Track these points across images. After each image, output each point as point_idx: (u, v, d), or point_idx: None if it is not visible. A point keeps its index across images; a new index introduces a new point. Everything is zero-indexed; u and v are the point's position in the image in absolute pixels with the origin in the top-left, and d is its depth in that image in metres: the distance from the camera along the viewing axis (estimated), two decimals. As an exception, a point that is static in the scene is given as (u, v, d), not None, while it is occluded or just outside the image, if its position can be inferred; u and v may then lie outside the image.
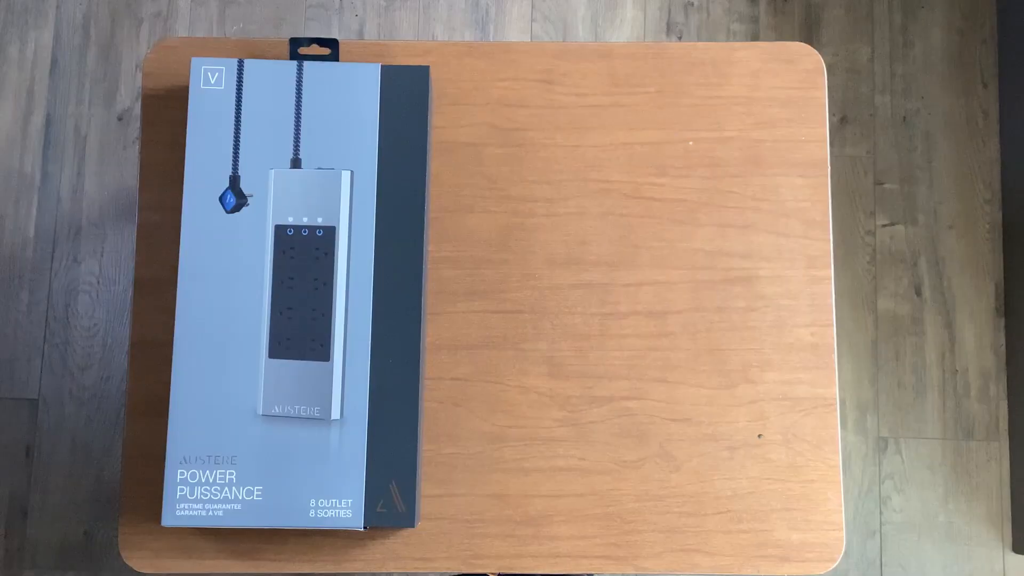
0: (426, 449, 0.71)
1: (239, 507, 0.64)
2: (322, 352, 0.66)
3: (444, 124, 0.75)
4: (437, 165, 0.75)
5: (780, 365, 0.72)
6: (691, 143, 0.75)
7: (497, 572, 0.71)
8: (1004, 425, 1.40)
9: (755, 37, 1.49)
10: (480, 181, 0.74)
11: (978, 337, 1.42)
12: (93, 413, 1.36)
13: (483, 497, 0.70)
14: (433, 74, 0.75)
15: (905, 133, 1.46)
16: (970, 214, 1.45)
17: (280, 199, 0.67)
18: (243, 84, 0.69)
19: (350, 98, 0.69)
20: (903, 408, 1.41)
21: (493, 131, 0.75)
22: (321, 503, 0.64)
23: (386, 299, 0.67)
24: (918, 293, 1.43)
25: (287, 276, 0.66)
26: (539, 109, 0.75)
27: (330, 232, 0.67)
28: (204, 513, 0.64)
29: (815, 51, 0.76)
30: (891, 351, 1.42)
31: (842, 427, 1.39)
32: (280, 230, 0.67)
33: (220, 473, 0.64)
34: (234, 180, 0.67)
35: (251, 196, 0.67)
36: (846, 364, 1.41)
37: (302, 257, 0.66)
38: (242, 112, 0.68)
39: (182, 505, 0.64)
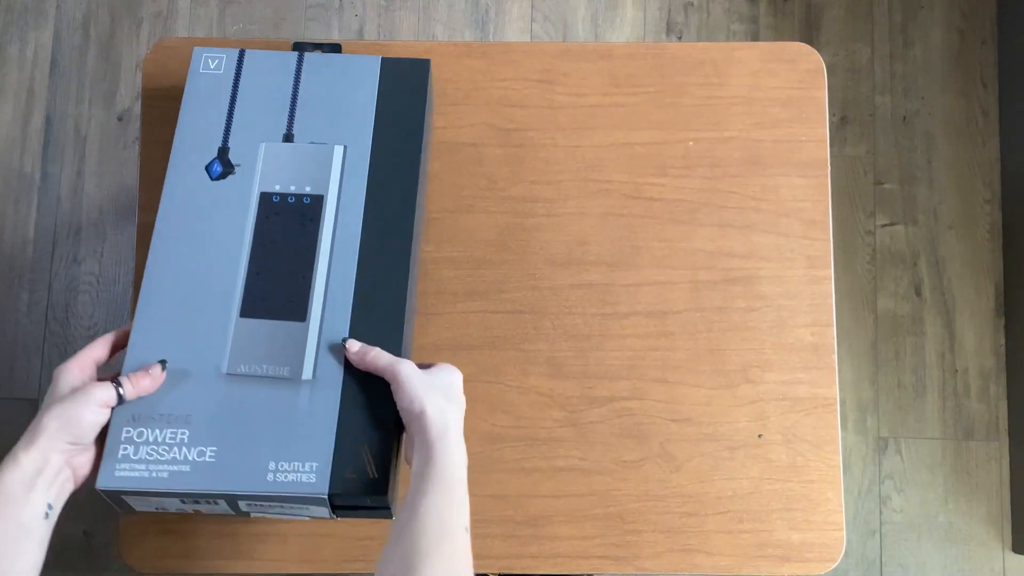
0: (426, 449, 0.71)
1: (187, 468, 0.58)
2: (298, 312, 0.64)
3: (444, 124, 0.75)
4: (437, 165, 0.75)
5: (780, 365, 0.72)
6: (691, 143, 0.75)
7: (497, 572, 0.71)
8: (1004, 425, 1.40)
9: (755, 37, 1.49)
10: (480, 181, 0.74)
11: (978, 337, 1.42)
12: (93, 413, 1.35)
13: (483, 497, 0.70)
14: (433, 74, 0.75)
15: (905, 133, 1.46)
16: (970, 214, 1.45)
17: (269, 169, 0.67)
18: (242, 69, 0.70)
19: (349, 85, 0.70)
20: (903, 408, 1.41)
21: (493, 131, 0.75)
22: (282, 466, 0.59)
23: (371, 270, 0.65)
24: (918, 293, 1.43)
25: (268, 240, 0.65)
26: (539, 109, 0.75)
27: (317, 201, 0.66)
28: (147, 474, 0.58)
29: (815, 51, 0.76)
30: (891, 351, 1.42)
31: (842, 427, 1.39)
32: (266, 197, 0.66)
33: (171, 432, 0.59)
34: (223, 151, 0.68)
35: (238, 166, 0.67)
36: (846, 364, 1.41)
37: (286, 223, 0.66)
38: (238, 93, 0.69)
39: (123, 466, 0.58)
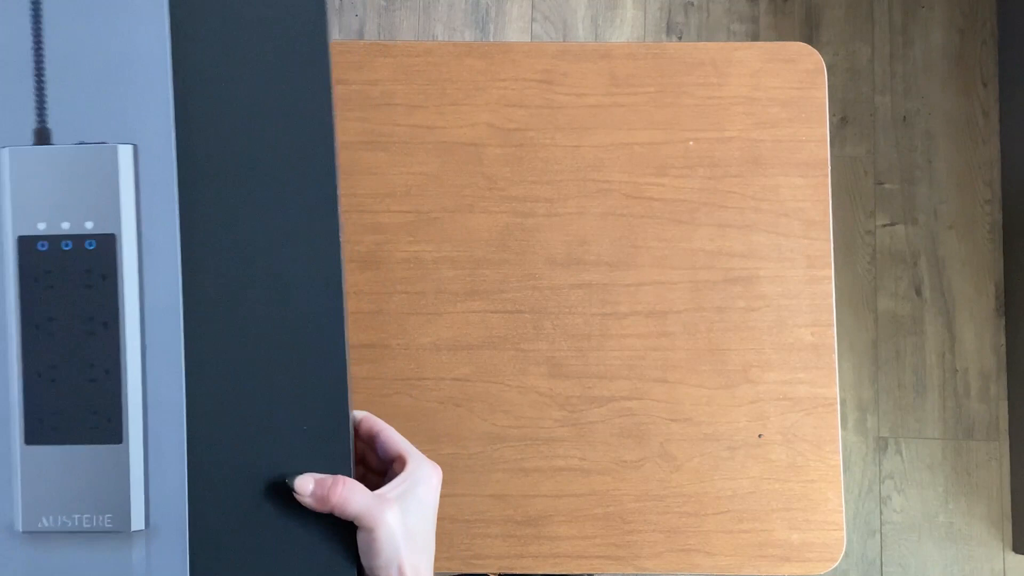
0: (426, 450, 0.71)
1: None
2: (109, 431, 0.42)
3: (444, 124, 0.75)
4: (437, 165, 0.75)
5: (780, 365, 0.72)
6: (691, 143, 0.75)
7: (497, 572, 0.71)
8: (1004, 425, 1.40)
9: (755, 37, 1.49)
10: (480, 181, 0.74)
11: (978, 337, 1.42)
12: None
13: (483, 497, 0.70)
14: (433, 74, 0.75)
15: (905, 133, 1.46)
16: (970, 214, 1.45)
17: (23, 195, 0.42)
18: None
19: (122, 30, 0.43)
20: (903, 408, 1.41)
21: (493, 131, 0.75)
22: None
23: (216, 338, 0.43)
24: (918, 293, 1.43)
25: (44, 317, 0.43)
26: (539, 109, 0.75)
27: (107, 242, 0.43)
28: None
29: (815, 51, 0.76)
30: (891, 351, 1.42)
31: (842, 427, 1.39)
32: (27, 244, 0.43)
33: None
34: None
35: None
36: (846, 364, 1.41)
37: (65, 285, 0.43)
38: None
39: None
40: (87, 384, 0.42)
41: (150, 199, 0.43)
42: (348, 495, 0.43)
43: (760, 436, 0.72)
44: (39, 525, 0.42)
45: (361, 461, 0.51)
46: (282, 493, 0.43)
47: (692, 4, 1.50)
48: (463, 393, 0.71)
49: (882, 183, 1.45)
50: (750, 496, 0.71)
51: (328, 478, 0.44)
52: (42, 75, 0.43)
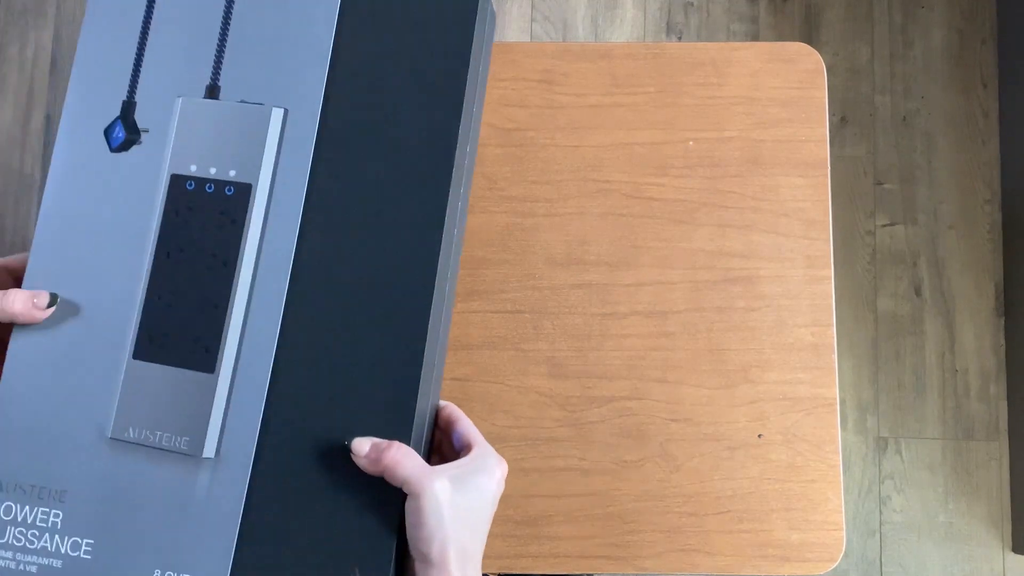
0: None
1: (59, 565, 0.45)
2: (206, 360, 0.46)
3: (444, 124, 0.75)
4: (437, 165, 0.75)
5: (780, 365, 0.72)
6: (691, 143, 0.75)
7: (497, 572, 0.71)
8: (1004, 425, 1.40)
9: (755, 37, 1.49)
10: (480, 181, 0.74)
11: (978, 337, 1.42)
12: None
13: (483, 497, 0.70)
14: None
15: (905, 133, 1.46)
16: (970, 214, 1.45)
17: (184, 139, 0.48)
18: None
19: (299, 9, 0.50)
20: (903, 408, 1.41)
21: (493, 131, 0.75)
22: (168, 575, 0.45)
23: (314, 297, 0.47)
24: (918, 293, 1.43)
25: (177, 246, 0.47)
26: (539, 109, 0.75)
27: (244, 191, 0.47)
28: (13, 565, 0.46)
29: (815, 51, 0.76)
30: (891, 351, 1.42)
31: (842, 427, 1.39)
32: (177, 182, 0.48)
33: (43, 512, 0.46)
34: (127, 107, 0.49)
35: (146, 132, 0.48)
36: (846, 364, 1.41)
37: (201, 222, 0.47)
38: (153, 17, 0.50)
39: None
40: (196, 314, 0.46)
41: (288, 159, 0.48)
42: (400, 458, 0.44)
43: (760, 436, 0.72)
44: (126, 434, 0.46)
45: (438, 449, 0.51)
46: (342, 453, 0.45)
47: (692, 4, 1.50)
48: (463, 393, 0.71)
49: (882, 183, 1.45)
50: (750, 496, 0.71)
51: (384, 442, 0.44)
52: (224, 39, 0.49)
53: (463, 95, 0.48)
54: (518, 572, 0.70)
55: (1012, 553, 1.38)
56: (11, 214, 1.40)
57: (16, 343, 0.47)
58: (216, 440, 0.46)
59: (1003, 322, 1.42)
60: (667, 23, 1.50)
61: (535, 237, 0.74)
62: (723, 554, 0.70)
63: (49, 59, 1.44)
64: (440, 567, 0.43)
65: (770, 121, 0.75)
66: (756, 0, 1.49)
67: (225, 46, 0.49)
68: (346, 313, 0.46)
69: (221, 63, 0.49)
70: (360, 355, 0.46)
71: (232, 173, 0.48)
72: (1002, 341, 1.42)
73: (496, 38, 1.48)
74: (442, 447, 0.52)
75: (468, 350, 0.72)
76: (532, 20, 1.49)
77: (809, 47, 0.77)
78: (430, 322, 0.46)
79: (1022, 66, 1.41)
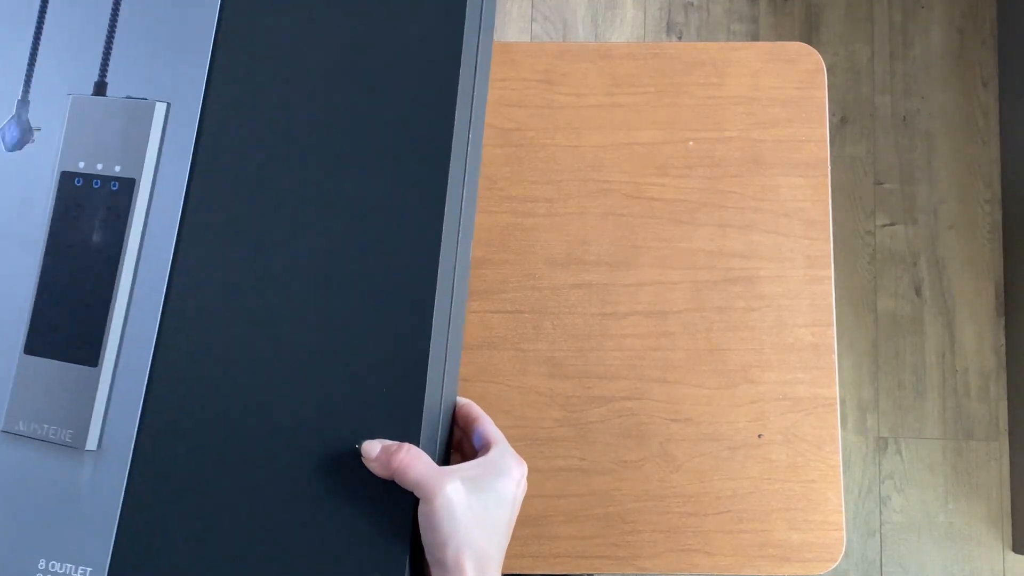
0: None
1: None
2: (89, 353, 0.47)
3: (444, 124, 0.75)
4: (437, 165, 0.75)
5: (780, 365, 0.72)
6: (691, 143, 0.75)
7: (497, 572, 0.71)
8: (1004, 425, 1.40)
9: (755, 37, 1.49)
10: (480, 181, 0.74)
11: (978, 337, 1.42)
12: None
13: (483, 497, 0.70)
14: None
15: (905, 133, 1.46)
16: (970, 214, 1.45)
17: (73, 136, 0.49)
18: None
19: (180, 5, 0.50)
20: (903, 408, 1.41)
21: (493, 131, 0.75)
22: (53, 566, 0.46)
23: (198, 290, 0.47)
24: (918, 293, 1.43)
25: (66, 243, 0.48)
26: (539, 109, 0.75)
27: (127, 186, 0.48)
28: None
29: (815, 51, 0.76)
30: (891, 351, 1.42)
31: (842, 427, 1.39)
32: (67, 179, 0.49)
33: None
34: (22, 106, 0.50)
35: (38, 131, 0.49)
36: (846, 364, 1.41)
37: (88, 218, 0.48)
38: (46, 14, 0.51)
39: None
40: (83, 309, 0.47)
41: (171, 152, 0.48)
42: (410, 461, 0.42)
43: (760, 436, 0.72)
44: (16, 427, 0.47)
45: (458, 448, 0.50)
46: (351, 459, 0.44)
47: (692, 4, 1.50)
48: (463, 393, 0.71)
49: (882, 183, 1.45)
50: (750, 496, 0.71)
51: (394, 444, 0.43)
52: (112, 36, 0.49)
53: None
54: (518, 572, 0.70)
55: (1012, 553, 1.38)
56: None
57: None
58: (99, 433, 0.46)
59: (1003, 322, 1.42)
60: (667, 23, 1.50)
61: (535, 237, 0.74)
62: (723, 554, 0.70)
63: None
64: (455, 573, 0.41)
65: (770, 121, 0.75)
66: (756, 0, 1.49)
67: (112, 43, 0.49)
68: (335, 307, 0.45)
69: (108, 60, 0.49)
70: (360, 352, 0.45)
71: (117, 168, 0.48)
72: (1002, 341, 1.42)
73: (496, 38, 1.48)
74: (463, 445, 0.50)
75: (468, 350, 0.72)
76: (532, 20, 1.49)
77: (809, 47, 0.77)
78: (434, 316, 0.45)
79: (1022, 66, 1.41)
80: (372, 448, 0.43)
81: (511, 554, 0.70)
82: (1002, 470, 1.39)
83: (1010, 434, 1.39)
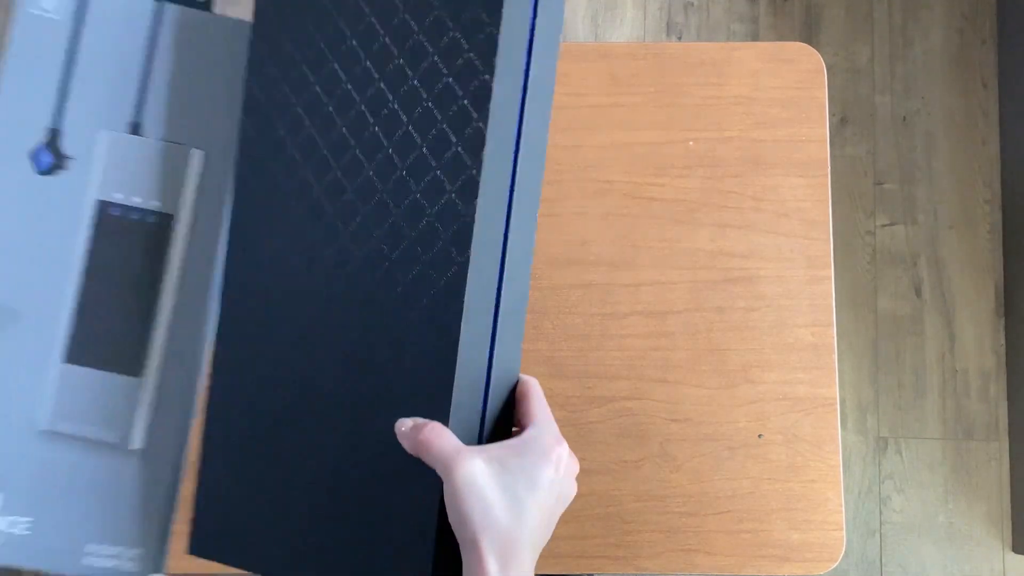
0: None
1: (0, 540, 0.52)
2: (133, 365, 0.53)
3: (444, 124, 0.75)
4: (437, 165, 0.75)
5: (780, 365, 0.72)
6: (691, 143, 0.75)
7: (497, 572, 0.71)
8: (1004, 425, 1.40)
9: (755, 37, 1.49)
10: (480, 181, 0.74)
11: (978, 337, 1.42)
12: None
13: (483, 497, 0.70)
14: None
15: (905, 133, 1.46)
16: (970, 214, 1.45)
17: (110, 169, 0.53)
18: (87, 15, 0.54)
19: (217, 57, 0.54)
20: (903, 408, 1.41)
21: (493, 131, 0.75)
22: (101, 549, 0.52)
23: (244, 316, 0.52)
24: (918, 293, 1.43)
25: (103, 265, 0.53)
26: (539, 109, 0.75)
27: (166, 221, 0.53)
28: None
29: (815, 51, 0.76)
30: (891, 351, 1.42)
31: (842, 427, 1.39)
32: (104, 207, 0.53)
33: None
34: (53, 134, 0.53)
35: (72, 159, 0.53)
36: (846, 364, 1.41)
37: (126, 245, 0.53)
38: (79, 50, 0.53)
39: None
40: (124, 324, 0.53)
41: (207, 196, 0.54)
42: (432, 438, 0.42)
43: (760, 436, 0.72)
44: (60, 427, 0.52)
45: (519, 426, 0.48)
46: (390, 437, 0.46)
47: (692, 4, 1.50)
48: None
49: (882, 183, 1.45)
50: (750, 496, 0.71)
51: (422, 421, 0.43)
52: (148, 82, 0.54)
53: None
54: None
55: (1012, 553, 1.38)
56: None
57: None
58: (143, 433, 0.52)
59: (1003, 322, 1.42)
60: (667, 23, 1.50)
61: (535, 237, 0.74)
62: (723, 554, 0.70)
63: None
64: (472, 553, 0.40)
65: (770, 121, 0.75)
66: (756, 0, 1.49)
67: (148, 86, 0.54)
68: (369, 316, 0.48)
69: (144, 102, 0.54)
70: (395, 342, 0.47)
71: (155, 203, 0.54)
72: (1002, 341, 1.42)
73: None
74: (523, 423, 0.48)
75: (468, 350, 0.72)
76: (532, 20, 1.49)
77: (809, 47, 0.77)
78: (467, 292, 0.45)
79: (1022, 66, 1.41)
80: (404, 424, 0.44)
81: (511, 554, 0.70)
82: (1002, 470, 1.39)
83: (1010, 434, 1.39)
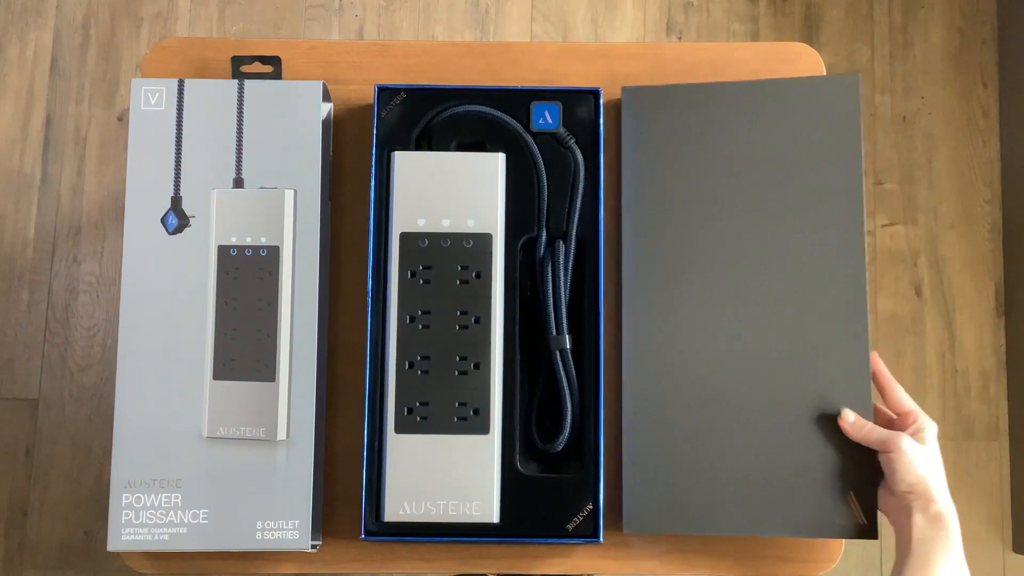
0: (426, 449, 0.70)
1: (185, 531, 0.65)
2: (267, 373, 0.66)
3: (444, 124, 0.75)
4: (437, 165, 0.74)
5: (780, 365, 0.72)
6: (691, 143, 0.75)
7: (497, 572, 0.71)
8: (1004, 425, 1.40)
9: (755, 37, 1.49)
10: (480, 181, 0.74)
11: (978, 337, 1.42)
12: (93, 413, 1.36)
13: (483, 497, 0.70)
14: (433, 74, 0.75)
15: (905, 133, 1.46)
16: (970, 214, 1.45)
17: (223, 219, 0.67)
18: (184, 104, 0.68)
19: (292, 115, 0.68)
20: (903, 408, 1.41)
21: (493, 131, 0.75)
22: (268, 525, 0.65)
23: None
24: (918, 293, 1.43)
25: (231, 297, 0.67)
26: (539, 109, 0.75)
27: (274, 252, 0.67)
28: (150, 537, 0.65)
29: (815, 51, 0.76)
30: (891, 351, 1.42)
31: (842, 427, 1.39)
32: (223, 251, 0.67)
33: (165, 497, 0.65)
34: (176, 201, 0.67)
35: (193, 217, 0.67)
36: (846, 364, 1.41)
37: (246, 278, 0.67)
38: (183, 132, 0.68)
39: (128, 530, 0.65)
40: (255, 341, 0.67)
41: (302, 225, 0.67)
42: (871, 428, 0.64)
43: (760, 436, 0.71)
44: (218, 433, 0.66)
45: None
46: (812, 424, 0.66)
47: (692, 4, 1.50)
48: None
49: (882, 183, 1.45)
50: (750, 496, 0.71)
51: (860, 419, 0.65)
52: (241, 145, 0.68)
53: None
54: (518, 572, 0.70)
55: (1012, 553, 1.38)
56: (11, 214, 1.40)
57: (123, 379, 0.66)
58: (286, 426, 0.66)
59: (1003, 322, 1.42)
60: (667, 23, 1.50)
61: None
62: (723, 554, 0.70)
63: (49, 59, 1.44)
64: (903, 501, 0.62)
65: (770, 121, 0.75)
66: (756, 0, 1.49)
67: (242, 146, 0.68)
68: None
69: (241, 161, 0.68)
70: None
71: (263, 239, 0.67)
72: (1002, 341, 1.42)
73: (496, 38, 1.48)
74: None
75: (468, 350, 0.72)
76: (532, 20, 1.49)
77: (809, 47, 0.76)
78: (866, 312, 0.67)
79: (1022, 66, 1.41)
80: (849, 415, 0.65)
81: (512, 554, 0.70)
82: (1002, 470, 1.39)
83: (1010, 434, 1.39)
